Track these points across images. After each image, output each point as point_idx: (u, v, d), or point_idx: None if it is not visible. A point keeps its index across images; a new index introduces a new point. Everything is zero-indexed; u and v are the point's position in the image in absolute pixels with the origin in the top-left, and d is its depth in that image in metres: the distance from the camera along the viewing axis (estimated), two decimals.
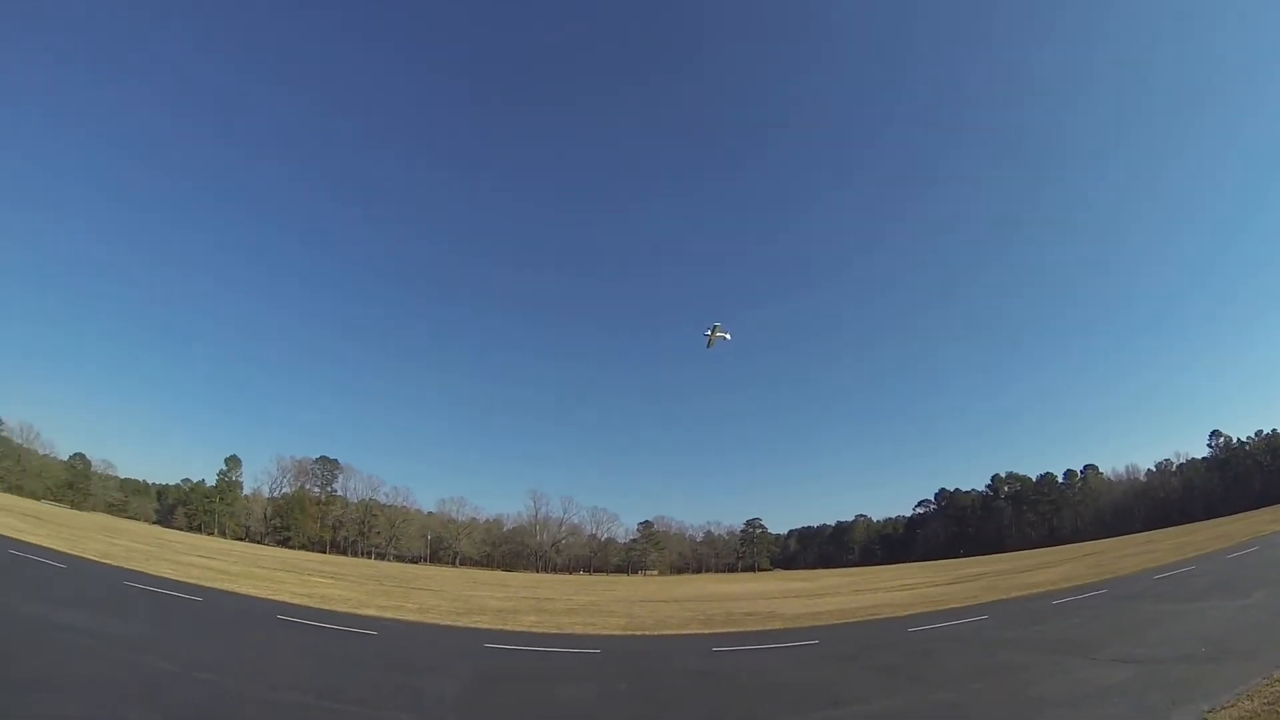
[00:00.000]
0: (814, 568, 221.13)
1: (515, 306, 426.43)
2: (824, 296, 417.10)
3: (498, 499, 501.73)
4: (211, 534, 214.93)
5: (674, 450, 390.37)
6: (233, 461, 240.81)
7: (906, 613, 44.70)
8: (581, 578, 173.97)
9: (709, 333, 71.91)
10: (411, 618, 41.11)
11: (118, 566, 50.60)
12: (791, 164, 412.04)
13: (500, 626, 39.11)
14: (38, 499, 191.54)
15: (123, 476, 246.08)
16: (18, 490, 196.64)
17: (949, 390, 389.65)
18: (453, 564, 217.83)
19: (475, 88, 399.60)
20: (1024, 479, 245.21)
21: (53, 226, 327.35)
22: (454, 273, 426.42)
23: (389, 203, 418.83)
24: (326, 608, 41.69)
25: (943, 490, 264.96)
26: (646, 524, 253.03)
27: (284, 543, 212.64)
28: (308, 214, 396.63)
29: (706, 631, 39.30)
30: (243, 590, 46.35)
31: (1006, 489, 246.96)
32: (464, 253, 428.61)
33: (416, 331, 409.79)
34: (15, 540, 55.87)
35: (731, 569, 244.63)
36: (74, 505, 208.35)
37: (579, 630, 39.00)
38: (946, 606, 46.85)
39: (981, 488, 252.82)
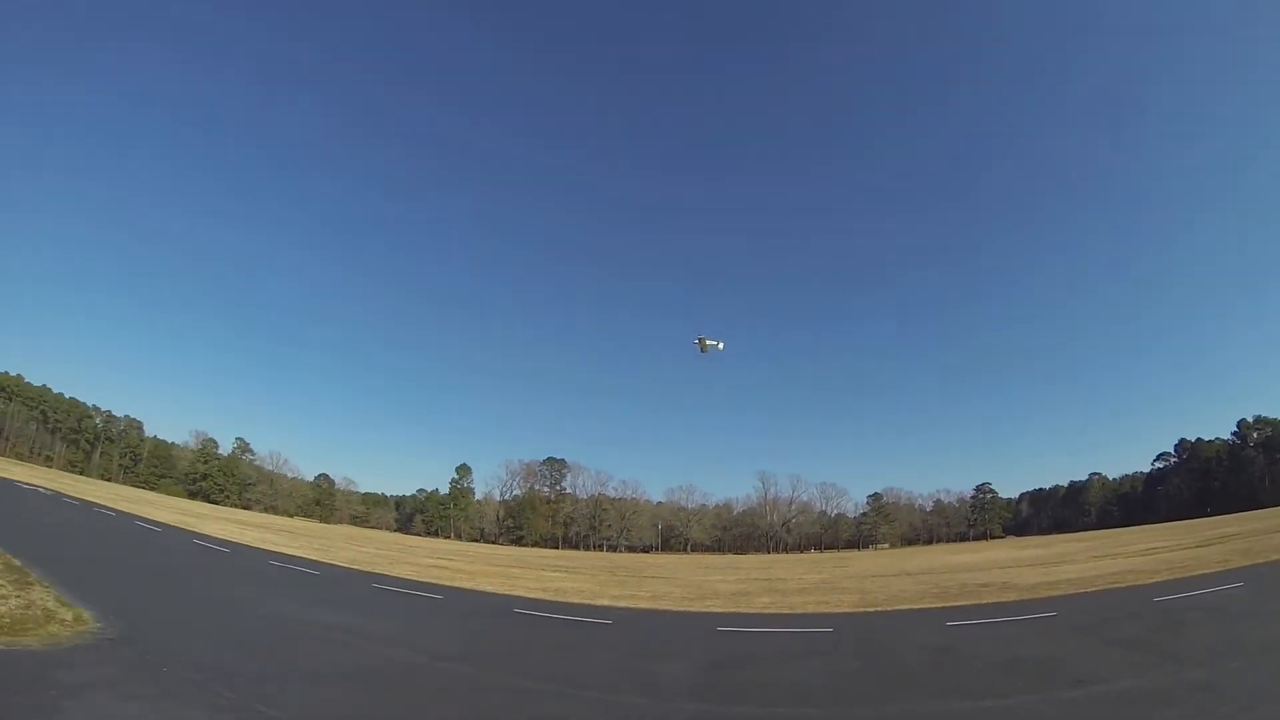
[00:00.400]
0: (1047, 533, 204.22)
1: (730, 286, 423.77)
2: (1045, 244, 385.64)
3: (726, 483, 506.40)
4: (448, 537, 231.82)
5: (900, 418, 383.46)
6: (463, 469, 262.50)
7: (1150, 580, 40.73)
8: (813, 556, 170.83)
9: (698, 340, 70.72)
10: (645, 605, 41.11)
11: (365, 571, 54.18)
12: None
13: (733, 609, 38.40)
14: (290, 516, 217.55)
15: (363, 491, 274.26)
16: (272, 510, 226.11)
17: (1182, 328, 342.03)
18: (684, 551, 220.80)
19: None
20: (1277, 422, 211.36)
21: (276, 283, 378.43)
22: (662, 256, 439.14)
23: (584, 194, 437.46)
24: (561, 599, 42.42)
25: (1183, 441, 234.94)
26: (875, 496, 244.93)
27: (517, 541, 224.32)
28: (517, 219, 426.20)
29: (940, 605, 36.99)
30: (480, 587, 48.11)
31: (1256, 435, 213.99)
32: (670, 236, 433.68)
33: (625, 323, 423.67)
34: (275, 553, 61.27)
35: (963, 538, 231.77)
36: (322, 519, 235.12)
37: (811, 609, 37.67)
38: (1195, 573, 42.19)
39: (1227, 435, 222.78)
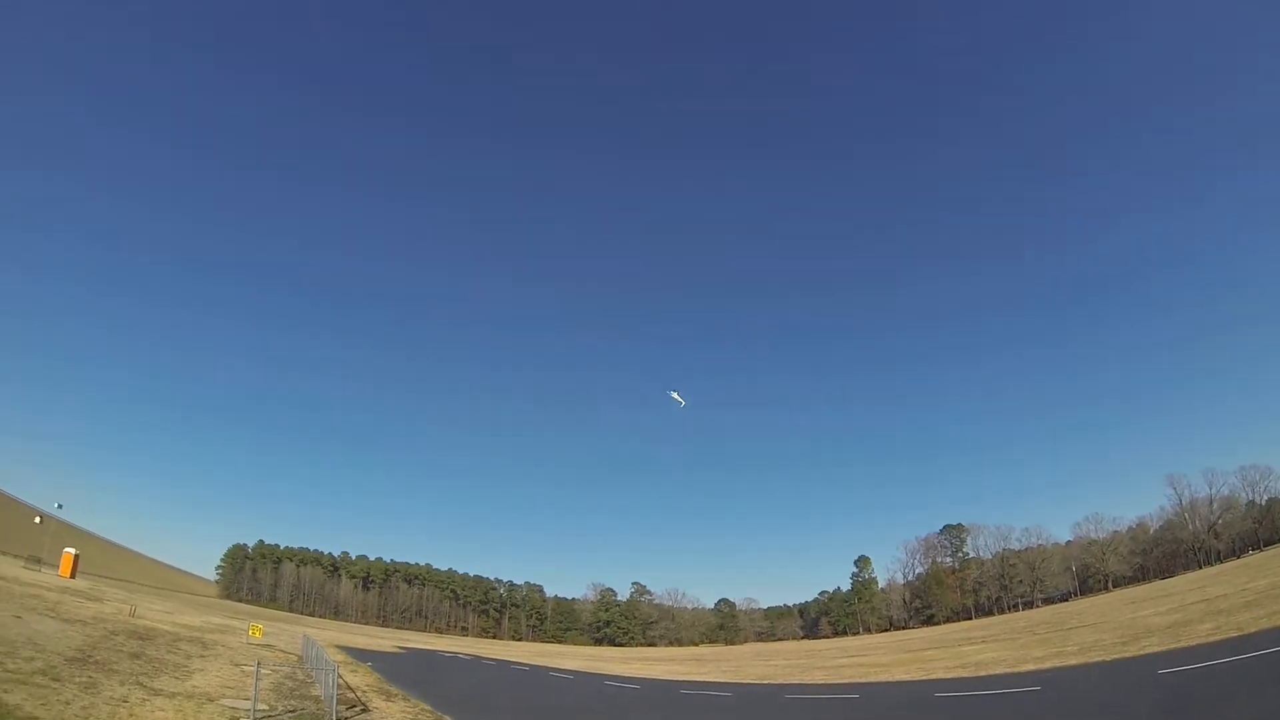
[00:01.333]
0: None
1: None
2: None
3: (1133, 501, 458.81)
4: (855, 634, 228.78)
5: None
6: (863, 561, 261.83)
7: None
8: (1254, 558, 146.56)
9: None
10: (1073, 661, 38.45)
11: (778, 683, 55.14)
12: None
13: (1172, 644, 34.77)
14: (696, 645, 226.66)
15: (765, 607, 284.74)
16: (677, 642, 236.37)
17: None
18: (1105, 589, 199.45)
19: None
20: None
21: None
22: None
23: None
24: (982, 673, 40.86)
25: None
26: None
27: (927, 621, 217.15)
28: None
29: None
30: (896, 677, 47.35)
31: None
32: None
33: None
34: (685, 680, 64.25)
35: None
36: (728, 642, 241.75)
37: (1266, 624, 32.73)
38: None
39: None
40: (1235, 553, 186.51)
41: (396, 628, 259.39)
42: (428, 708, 34.84)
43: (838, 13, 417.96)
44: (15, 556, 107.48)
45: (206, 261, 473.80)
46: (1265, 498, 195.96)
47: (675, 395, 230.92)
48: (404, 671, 61.05)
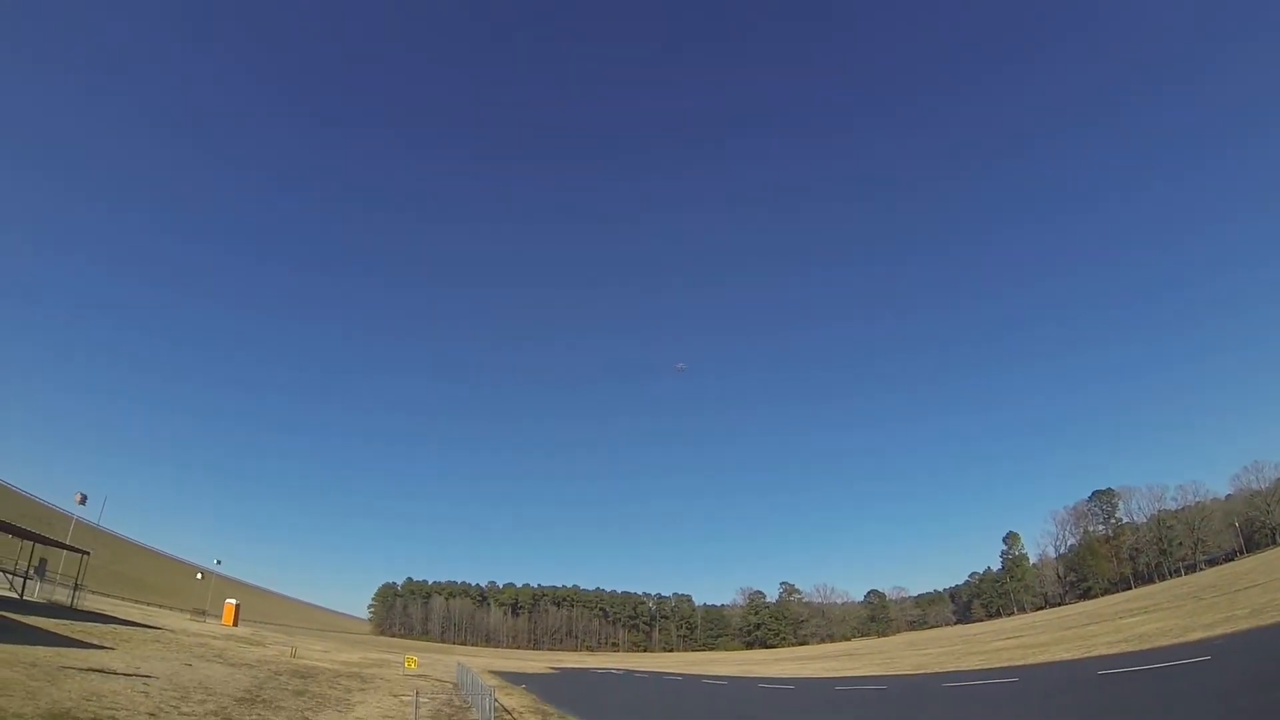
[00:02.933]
0: None
1: None
2: None
3: None
4: (1010, 614, 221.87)
5: None
6: (1012, 538, 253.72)
7: None
8: None
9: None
10: (1244, 625, 36.65)
11: (931, 672, 54.50)
12: None
13: None
14: (849, 640, 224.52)
15: (915, 594, 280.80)
16: (829, 639, 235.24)
17: None
18: (1273, 543, 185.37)
19: None
20: None
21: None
22: None
23: None
24: (1146, 646, 39.40)
25: None
26: None
27: (1084, 595, 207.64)
28: None
29: None
30: (1055, 657, 46.25)
31: None
32: None
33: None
34: (839, 677, 63.91)
35: None
36: (880, 634, 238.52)
37: None
38: None
39: None
40: None
41: (548, 650, 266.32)
42: None
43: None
44: (181, 611, 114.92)
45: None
46: None
47: (679, 366, 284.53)
48: (558, 690, 62.77)
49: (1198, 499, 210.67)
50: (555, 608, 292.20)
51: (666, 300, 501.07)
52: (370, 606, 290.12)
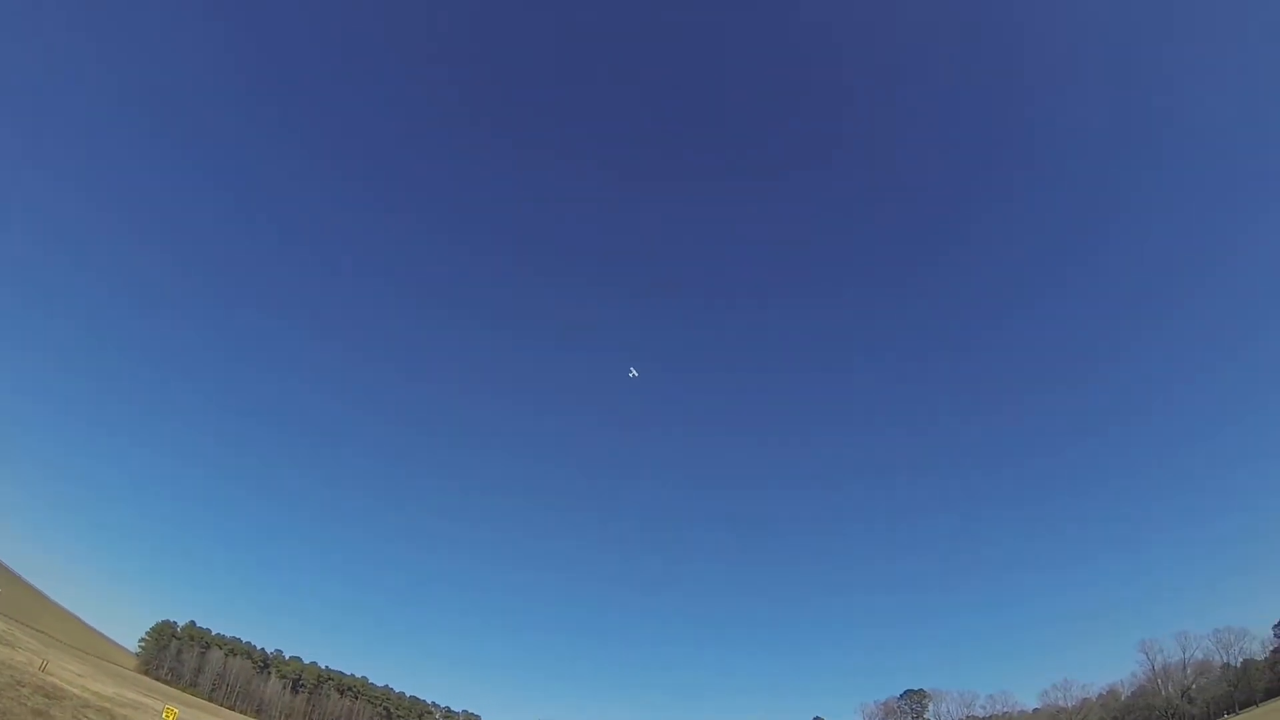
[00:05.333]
0: None
1: None
2: None
3: (1105, 666, 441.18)
4: None
5: None
6: None
7: None
8: None
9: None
10: None
11: None
12: None
13: None
14: None
15: None
16: None
17: None
18: None
19: None
20: None
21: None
22: None
23: None
24: None
25: None
26: None
27: None
28: None
29: None
30: None
31: None
32: None
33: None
34: None
35: None
36: None
37: None
38: None
39: None
40: (1210, 718, 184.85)
41: None
42: None
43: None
44: None
45: None
46: (1240, 659, 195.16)
47: (632, 371, 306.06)
48: None
49: (1006, 709, 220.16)
50: (339, 695, 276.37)
51: None
52: (142, 641, 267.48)
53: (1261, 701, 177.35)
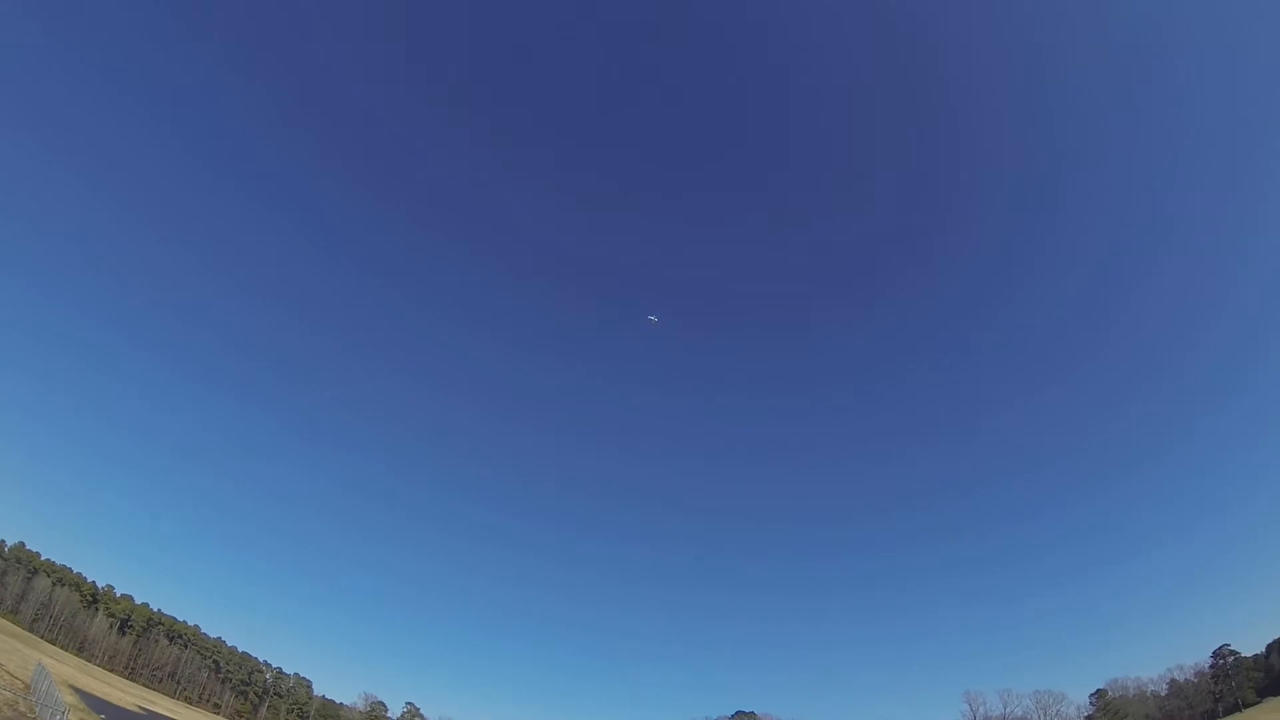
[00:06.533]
0: None
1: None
2: None
3: (928, 714, 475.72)
4: None
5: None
6: None
7: None
8: None
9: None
10: None
11: None
12: None
13: None
14: None
15: None
16: None
17: None
18: None
19: None
20: None
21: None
22: None
23: None
24: None
25: None
26: (1099, 694, 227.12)
27: None
28: None
29: None
30: None
31: None
32: None
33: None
34: None
35: (1212, 717, 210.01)
36: None
37: None
38: None
39: None
40: None
41: (145, 684, 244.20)
42: None
43: None
44: None
45: None
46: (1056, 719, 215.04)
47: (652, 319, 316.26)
48: None
49: None
50: (168, 641, 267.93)
51: None
52: None
53: None
